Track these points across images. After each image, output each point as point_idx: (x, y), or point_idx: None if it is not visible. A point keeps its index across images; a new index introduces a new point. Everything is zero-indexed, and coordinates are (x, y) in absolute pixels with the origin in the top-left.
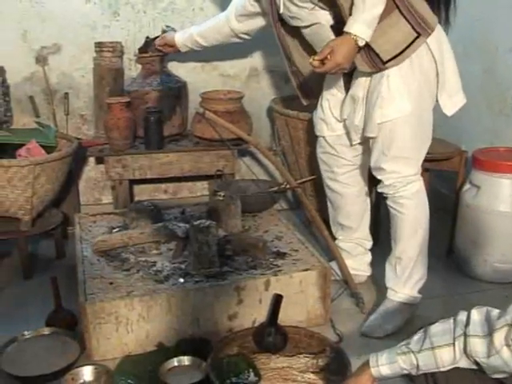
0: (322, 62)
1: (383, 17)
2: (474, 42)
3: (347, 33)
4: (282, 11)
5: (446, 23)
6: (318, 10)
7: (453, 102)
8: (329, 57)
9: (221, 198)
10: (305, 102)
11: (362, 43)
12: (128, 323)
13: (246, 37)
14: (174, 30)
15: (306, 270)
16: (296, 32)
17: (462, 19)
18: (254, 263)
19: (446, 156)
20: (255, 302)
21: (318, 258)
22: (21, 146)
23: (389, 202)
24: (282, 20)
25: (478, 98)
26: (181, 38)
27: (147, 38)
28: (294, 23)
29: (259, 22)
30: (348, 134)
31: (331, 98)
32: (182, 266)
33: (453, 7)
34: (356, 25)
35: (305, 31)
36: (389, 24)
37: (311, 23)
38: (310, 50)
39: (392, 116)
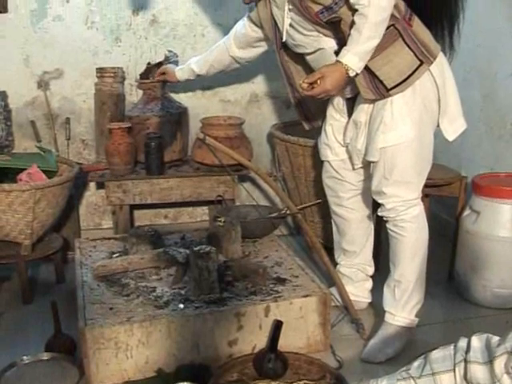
0: (312, 85)
1: (387, 45)
2: (474, 68)
3: (339, 62)
4: (285, 39)
5: (450, 49)
6: (322, 37)
7: (454, 128)
8: (318, 82)
9: (221, 224)
10: (307, 127)
11: (352, 74)
12: (127, 349)
13: (245, 63)
14: (176, 55)
15: (306, 296)
16: (299, 58)
17: (463, 45)
18: (254, 289)
19: (446, 181)
20: (255, 328)
21: (318, 284)
22: (22, 170)
23: (389, 226)
24: (285, 46)
25: (477, 123)
26: (180, 72)
27: (148, 63)
28: (299, 50)
29: (261, 47)
30: (350, 158)
31: (334, 123)
32: (182, 292)
33: (457, 33)
34: (349, 55)
35: (308, 57)
36: (393, 52)
37: (315, 49)
38: None
39: (394, 141)
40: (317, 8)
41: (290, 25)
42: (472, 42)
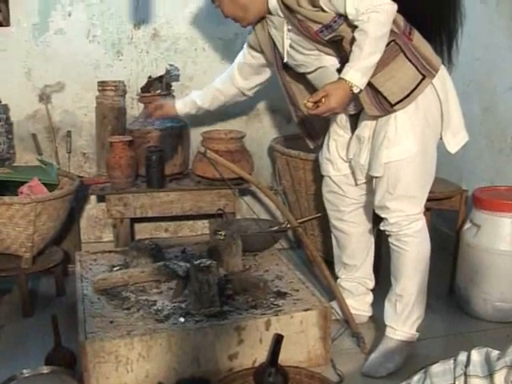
0: (316, 104)
1: (389, 61)
2: (474, 82)
3: (343, 79)
4: (286, 60)
5: (449, 63)
6: (323, 56)
7: (456, 140)
8: (323, 100)
9: (221, 237)
10: (311, 145)
11: (356, 90)
12: (128, 362)
13: (251, 93)
14: (177, 69)
15: (307, 310)
16: (300, 77)
17: (462, 59)
18: (255, 303)
19: (446, 195)
20: (256, 341)
21: (319, 298)
22: (23, 183)
23: (391, 240)
24: (286, 67)
25: (478, 136)
26: (181, 105)
27: (149, 77)
28: (300, 70)
29: (264, 74)
30: (353, 173)
31: (338, 139)
32: (183, 306)
33: (455, 48)
34: (352, 72)
35: (310, 76)
36: (395, 68)
37: (316, 68)
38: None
39: (398, 156)
40: (316, 27)
41: (290, 45)
42: (471, 56)
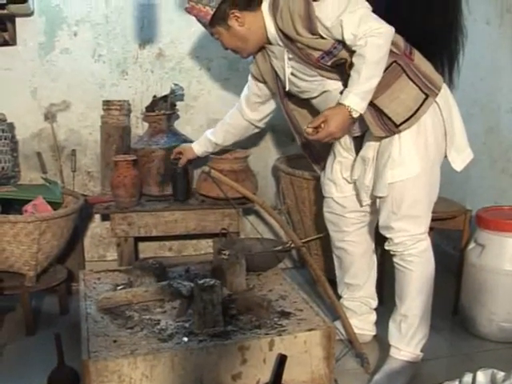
0: (316, 129)
1: (392, 82)
2: (477, 102)
3: (342, 104)
4: (288, 89)
5: (450, 84)
6: (326, 80)
7: (462, 158)
8: (322, 125)
9: (225, 257)
10: (318, 170)
11: (355, 115)
12: (131, 382)
13: (262, 125)
14: (181, 88)
15: (311, 329)
16: (304, 103)
17: (465, 80)
18: (259, 323)
19: (450, 215)
20: (259, 361)
21: (323, 318)
22: (27, 201)
23: (396, 260)
24: (289, 95)
25: (481, 156)
26: (197, 146)
27: (154, 96)
28: (304, 96)
29: (271, 104)
30: (358, 194)
31: (343, 161)
32: (186, 325)
33: (456, 68)
34: (350, 96)
35: (314, 101)
36: (398, 89)
37: (321, 92)
38: None
39: (402, 177)
40: (317, 54)
41: (292, 73)
42: (474, 76)
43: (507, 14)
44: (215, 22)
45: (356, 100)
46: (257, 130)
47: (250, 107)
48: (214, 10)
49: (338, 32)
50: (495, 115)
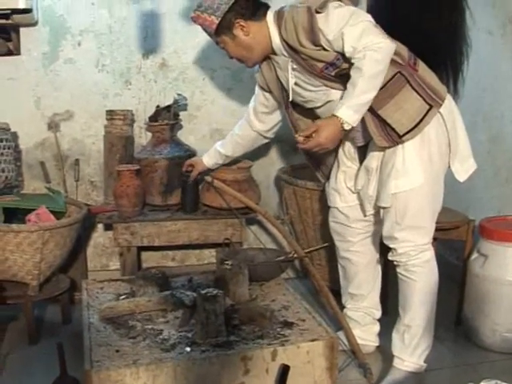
0: (308, 138)
1: (396, 92)
2: (481, 111)
3: (334, 115)
4: (291, 99)
5: (455, 95)
6: (330, 90)
7: (465, 168)
8: (313, 135)
9: (228, 267)
10: (322, 180)
11: (347, 127)
12: None
13: (271, 135)
14: (185, 98)
15: (314, 340)
16: (308, 112)
17: (469, 89)
18: (261, 333)
19: (453, 225)
20: (262, 372)
21: (326, 328)
22: (31, 211)
23: (400, 270)
24: (293, 105)
25: (484, 166)
26: (207, 158)
27: (158, 106)
28: (308, 105)
29: (278, 114)
30: (361, 204)
31: (346, 170)
32: (189, 335)
33: (461, 78)
34: (343, 109)
35: (318, 110)
36: (402, 99)
37: (325, 102)
38: None
39: (406, 187)
40: (321, 65)
41: (296, 83)
42: (478, 86)
43: (509, 24)
44: (220, 32)
45: (349, 112)
46: (266, 141)
47: (257, 118)
48: (220, 19)
49: (338, 44)
50: (499, 124)
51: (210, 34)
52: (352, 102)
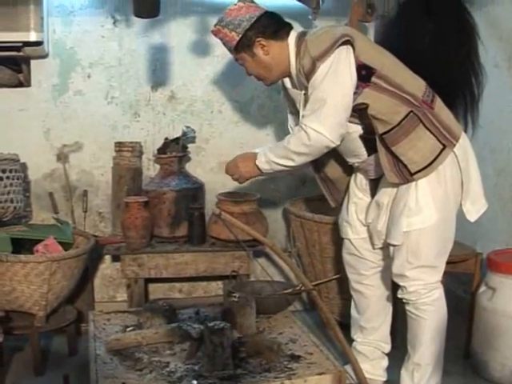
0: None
1: (410, 131)
2: (488, 144)
3: (256, 153)
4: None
5: (473, 126)
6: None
7: (476, 209)
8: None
9: (235, 299)
10: (333, 204)
11: (259, 165)
12: None
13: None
14: (193, 131)
15: (321, 373)
16: None
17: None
18: (268, 366)
19: (461, 258)
20: None
21: (333, 362)
22: (39, 241)
23: (409, 308)
24: None
25: (492, 199)
26: None
27: (166, 138)
28: None
29: None
30: (371, 237)
31: (358, 202)
32: (196, 368)
33: (476, 111)
34: (262, 153)
35: None
36: (416, 138)
37: None
38: (337, 156)
39: (418, 226)
40: None
41: None
42: (485, 119)
43: None
44: (240, 48)
45: (262, 159)
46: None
47: None
48: (240, 36)
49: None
50: (505, 157)
51: (229, 50)
52: (271, 155)
